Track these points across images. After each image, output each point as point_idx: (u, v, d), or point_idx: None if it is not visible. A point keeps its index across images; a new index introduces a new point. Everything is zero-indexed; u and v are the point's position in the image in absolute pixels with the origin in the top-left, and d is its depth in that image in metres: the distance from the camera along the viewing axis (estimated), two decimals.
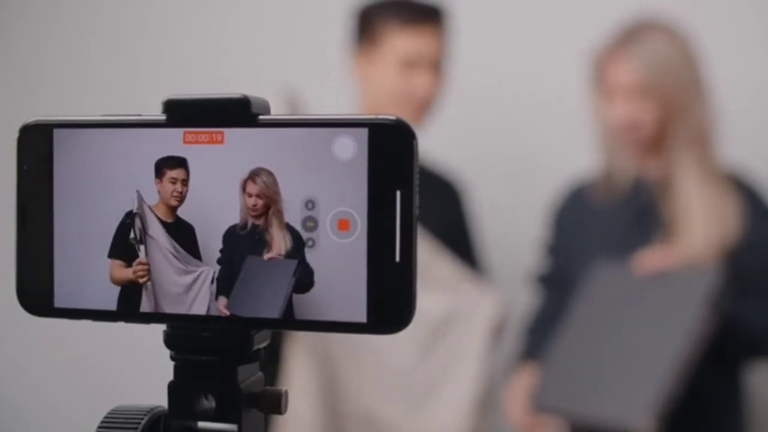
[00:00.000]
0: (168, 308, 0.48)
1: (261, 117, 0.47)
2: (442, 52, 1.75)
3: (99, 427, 0.48)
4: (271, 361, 1.55)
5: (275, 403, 0.48)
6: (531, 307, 1.85)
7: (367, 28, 1.74)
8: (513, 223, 2.14)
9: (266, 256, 0.47)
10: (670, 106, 1.62)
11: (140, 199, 0.48)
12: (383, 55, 1.71)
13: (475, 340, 1.67)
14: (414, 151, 0.45)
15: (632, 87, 1.63)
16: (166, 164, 0.48)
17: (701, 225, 1.60)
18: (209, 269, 0.48)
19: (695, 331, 1.50)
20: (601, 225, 1.73)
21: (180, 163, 0.47)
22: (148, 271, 0.48)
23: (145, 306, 0.48)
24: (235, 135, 0.47)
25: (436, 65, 1.73)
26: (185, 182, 0.48)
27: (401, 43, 1.70)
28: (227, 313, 0.47)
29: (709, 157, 1.64)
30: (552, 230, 1.84)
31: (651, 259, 1.60)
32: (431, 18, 1.72)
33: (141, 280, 0.48)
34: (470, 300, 1.69)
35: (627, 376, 1.53)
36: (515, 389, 1.73)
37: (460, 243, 1.84)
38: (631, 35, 1.65)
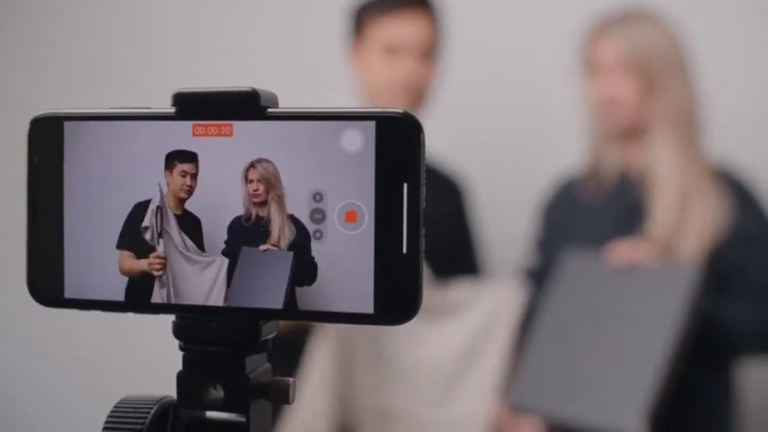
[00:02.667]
0: (177, 299, 0.49)
1: (270, 110, 0.48)
2: (429, 39, 1.76)
3: (108, 418, 0.48)
4: (293, 354, 1.54)
5: (283, 393, 0.49)
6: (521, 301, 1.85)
7: (357, 24, 1.78)
8: (505, 218, 2.14)
9: (262, 248, 0.48)
10: (649, 85, 1.64)
11: (161, 193, 0.49)
12: (369, 46, 1.75)
13: (500, 332, 1.68)
14: (421, 144, 0.46)
15: (614, 63, 1.66)
16: (176, 157, 0.48)
17: (670, 206, 1.61)
18: (221, 261, 0.48)
19: (679, 328, 1.49)
20: (590, 220, 1.74)
21: (191, 156, 0.48)
22: (164, 265, 0.49)
23: (155, 297, 0.49)
24: (243, 128, 0.48)
25: (423, 52, 1.75)
26: (195, 176, 0.48)
27: (381, 30, 1.74)
28: (229, 303, 0.48)
29: (687, 142, 1.64)
30: (541, 225, 1.85)
31: (624, 250, 1.61)
32: (412, 5, 1.74)
33: (156, 273, 0.49)
34: (494, 292, 1.71)
35: (611, 377, 1.52)
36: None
37: (461, 240, 1.85)
38: (619, 19, 1.68)
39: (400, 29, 1.73)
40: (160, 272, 0.49)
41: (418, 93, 1.75)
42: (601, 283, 1.61)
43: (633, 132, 1.69)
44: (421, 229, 0.46)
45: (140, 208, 0.49)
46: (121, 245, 0.49)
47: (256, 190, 0.47)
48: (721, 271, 1.60)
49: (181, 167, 0.48)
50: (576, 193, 1.79)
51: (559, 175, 1.86)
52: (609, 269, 1.61)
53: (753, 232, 1.63)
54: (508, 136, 2.18)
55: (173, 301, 0.49)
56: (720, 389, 1.65)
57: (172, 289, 0.49)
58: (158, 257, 0.49)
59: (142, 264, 0.49)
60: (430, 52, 1.76)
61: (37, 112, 0.51)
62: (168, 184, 0.49)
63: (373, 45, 1.75)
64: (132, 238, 0.49)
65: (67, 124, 0.50)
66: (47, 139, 0.50)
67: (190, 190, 0.48)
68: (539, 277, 1.80)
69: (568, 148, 1.89)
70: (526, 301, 1.82)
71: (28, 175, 0.50)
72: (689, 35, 1.68)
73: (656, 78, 1.64)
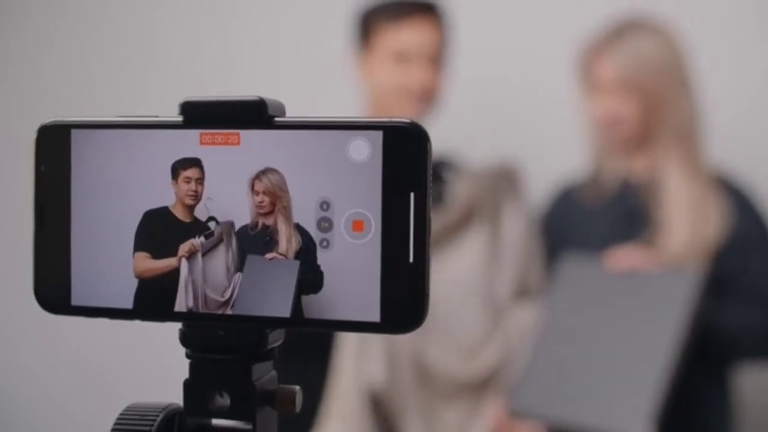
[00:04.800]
0: (186, 307, 0.49)
1: (277, 119, 0.48)
2: (437, 45, 1.76)
3: (114, 425, 0.48)
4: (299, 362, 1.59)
5: (289, 401, 0.49)
6: None
7: (363, 29, 1.78)
8: None
9: (268, 256, 0.48)
10: (652, 102, 1.64)
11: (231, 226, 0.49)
12: (377, 53, 1.75)
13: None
14: (428, 153, 0.46)
15: (615, 82, 1.65)
16: (180, 165, 0.48)
17: (683, 222, 1.61)
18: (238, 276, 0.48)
19: (679, 333, 1.50)
20: (591, 226, 1.74)
21: (194, 162, 0.48)
22: (195, 253, 0.49)
23: (162, 305, 0.49)
24: (250, 136, 0.48)
25: (432, 58, 1.75)
26: (200, 181, 0.48)
27: (391, 37, 1.73)
28: (235, 311, 0.48)
29: (693, 154, 1.65)
30: (541, 230, 1.85)
31: (624, 256, 1.61)
32: (420, 12, 1.75)
33: (185, 254, 0.49)
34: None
35: (614, 381, 1.52)
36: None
37: None
38: (618, 33, 1.67)
39: (411, 36, 1.73)
40: (186, 254, 0.49)
41: (427, 99, 1.76)
42: (600, 289, 1.62)
43: (636, 146, 1.69)
44: (428, 238, 0.46)
45: (154, 215, 0.49)
46: (138, 248, 0.49)
47: (261, 202, 0.47)
48: (721, 276, 1.60)
49: (184, 174, 0.48)
50: (576, 198, 1.79)
51: (560, 181, 1.86)
52: (607, 275, 1.61)
53: (752, 238, 1.63)
54: (508, 142, 2.18)
55: (181, 309, 0.49)
56: (719, 394, 1.66)
57: (181, 295, 0.49)
58: (192, 244, 0.49)
59: (156, 264, 0.49)
60: (438, 58, 1.77)
61: (44, 120, 0.51)
62: (176, 193, 0.49)
63: (382, 53, 1.74)
64: (149, 241, 0.49)
65: (74, 132, 0.50)
66: (54, 146, 0.50)
67: (196, 195, 0.48)
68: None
69: (568, 154, 1.89)
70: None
71: (35, 183, 0.50)
72: (688, 40, 1.68)
73: (657, 93, 1.64)
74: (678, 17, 1.73)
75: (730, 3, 2.05)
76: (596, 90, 1.69)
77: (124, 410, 0.49)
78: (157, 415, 0.49)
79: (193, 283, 0.49)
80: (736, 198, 1.65)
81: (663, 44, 1.65)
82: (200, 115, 0.48)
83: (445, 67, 1.79)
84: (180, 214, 0.49)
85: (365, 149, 0.46)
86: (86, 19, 2.45)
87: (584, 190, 1.77)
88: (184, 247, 0.49)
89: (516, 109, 2.16)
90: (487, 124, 2.18)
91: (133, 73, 2.38)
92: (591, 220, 1.74)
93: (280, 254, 0.48)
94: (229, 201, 0.48)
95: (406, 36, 1.73)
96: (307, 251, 0.47)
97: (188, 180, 0.48)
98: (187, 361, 0.49)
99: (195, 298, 0.49)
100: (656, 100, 1.64)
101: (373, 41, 1.76)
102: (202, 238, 0.49)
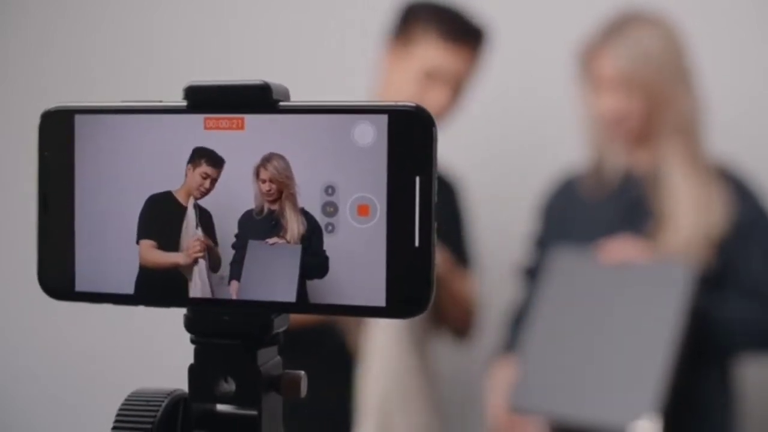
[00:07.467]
0: (192, 292, 0.49)
1: (281, 103, 0.48)
2: (467, 73, 1.74)
3: (119, 411, 0.48)
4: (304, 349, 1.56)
5: (294, 387, 0.49)
6: (517, 299, 1.85)
7: (407, 24, 1.72)
8: (502, 215, 2.14)
9: (270, 241, 0.48)
10: (655, 97, 1.64)
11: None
12: (410, 58, 1.70)
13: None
14: (433, 138, 0.46)
15: (617, 79, 1.65)
16: (205, 157, 0.48)
17: (686, 216, 1.61)
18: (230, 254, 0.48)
19: (678, 326, 1.50)
20: (591, 218, 1.74)
21: (219, 162, 0.48)
22: (204, 247, 0.48)
23: (166, 290, 0.49)
24: (255, 121, 0.48)
25: (456, 84, 1.72)
26: (214, 181, 0.48)
27: (430, 54, 1.69)
28: (239, 297, 0.48)
29: (695, 148, 1.65)
30: (541, 223, 1.85)
31: (617, 248, 1.61)
32: (469, 39, 1.72)
33: (198, 255, 0.48)
34: None
35: (615, 375, 1.52)
36: (495, 385, 1.72)
37: (453, 238, 1.84)
38: (617, 28, 1.66)
39: (448, 60, 1.69)
40: (201, 254, 0.48)
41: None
42: (593, 281, 1.61)
43: (638, 140, 1.69)
44: (433, 222, 0.46)
45: (157, 200, 0.49)
46: (143, 236, 0.49)
47: (269, 190, 0.47)
48: (722, 268, 1.60)
49: (205, 169, 0.48)
50: (576, 190, 1.79)
51: (561, 173, 1.86)
52: (600, 267, 1.61)
53: (753, 230, 1.63)
54: (509, 133, 2.18)
55: (186, 295, 0.49)
56: (718, 387, 1.66)
57: (187, 281, 0.49)
58: (198, 240, 0.48)
59: (171, 255, 0.49)
60: (462, 84, 1.74)
61: (47, 106, 0.51)
62: (186, 176, 0.48)
63: (415, 63, 1.69)
64: (156, 229, 0.49)
65: (77, 118, 0.50)
66: (58, 132, 0.50)
67: (206, 193, 0.48)
68: (537, 274, 1.80)
69: (568, 145, 1.89)
70: (522, 298, 1.81)
71: (38, 169, 0.50)
72: (689, 38, 1.68)
73: (659, 88, 1.64)
74: (678, 15, 1.73)
75: (731, 2, 2.05)
76: (598, 86, 1.68)
77: (129, 396, 0.49)
78: (162, 401, 0.48)
79: (200, 271, 0.49)
80: (738, 190, 1.66)
81: (663, 38, 1.65)
82: (204, 99, 0.48)
83: (464, 93, 1.76)
84: (183, 199, 0.49)
85: (370, 133, 0.46)
86: (88, 8, 2.44)
87: (585, 183, 1.77)
88: (194, 246, 0.48)
89: (515, 99, 2.16)
90: (486, 123, 2.18)
91: (135, 64, 2.38)
92: (592, 213, 1.74)
93: (286, 239, 0.47)
94: (233, 186, 0.48)
95: (446, 58, 1.69)
96: (312, 236, 0.47)
97: (206, 176, 0.48)
98: (190, 350, 0.49)
99: (201, 284, 0.49)
100: (658, 94, 1.64)
101: (411, 44, 1.70)
102: (200, 229, 0.49)
